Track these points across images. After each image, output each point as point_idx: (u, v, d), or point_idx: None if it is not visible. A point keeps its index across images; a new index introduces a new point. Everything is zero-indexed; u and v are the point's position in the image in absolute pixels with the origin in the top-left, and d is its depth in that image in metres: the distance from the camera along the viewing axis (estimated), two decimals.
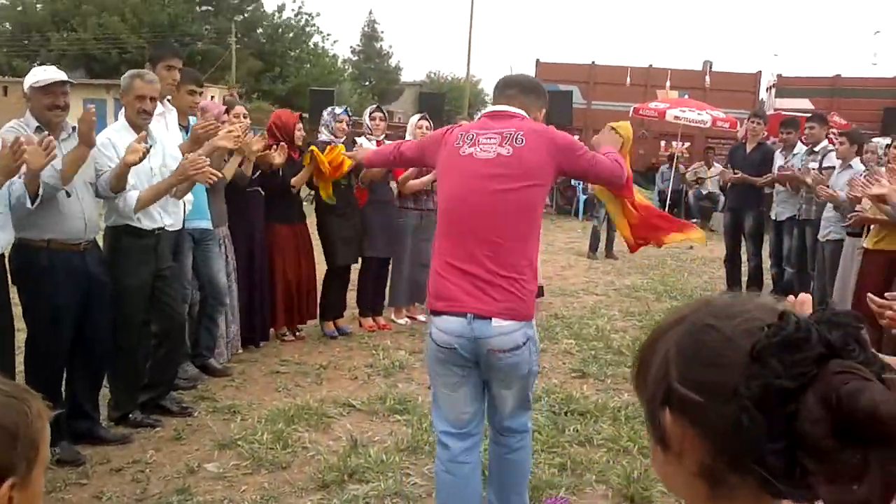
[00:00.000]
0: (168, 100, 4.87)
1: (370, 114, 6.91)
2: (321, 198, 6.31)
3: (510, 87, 3.13)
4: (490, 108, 3.18)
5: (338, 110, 6.48)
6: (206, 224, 5.20)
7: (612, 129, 3.49)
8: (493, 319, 2.88)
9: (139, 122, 4.23)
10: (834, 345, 0.78)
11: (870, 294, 2.47)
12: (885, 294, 2.41)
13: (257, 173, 5.68)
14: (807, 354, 0.78)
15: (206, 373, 5.34)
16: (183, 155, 4.44)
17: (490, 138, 2.96)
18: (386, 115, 7.01)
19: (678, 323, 0.92)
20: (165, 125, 4.69)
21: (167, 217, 4.46)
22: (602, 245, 11.04)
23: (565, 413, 4.85)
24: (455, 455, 3.07)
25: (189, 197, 4.74)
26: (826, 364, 0.78)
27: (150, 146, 4.10)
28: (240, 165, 5.43)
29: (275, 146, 5.78)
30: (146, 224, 4.31)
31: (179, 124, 4.97)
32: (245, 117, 5.70)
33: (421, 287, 7.12)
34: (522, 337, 2.94)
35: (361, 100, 43.76)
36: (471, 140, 2.99)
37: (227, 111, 5.66)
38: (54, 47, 39.09)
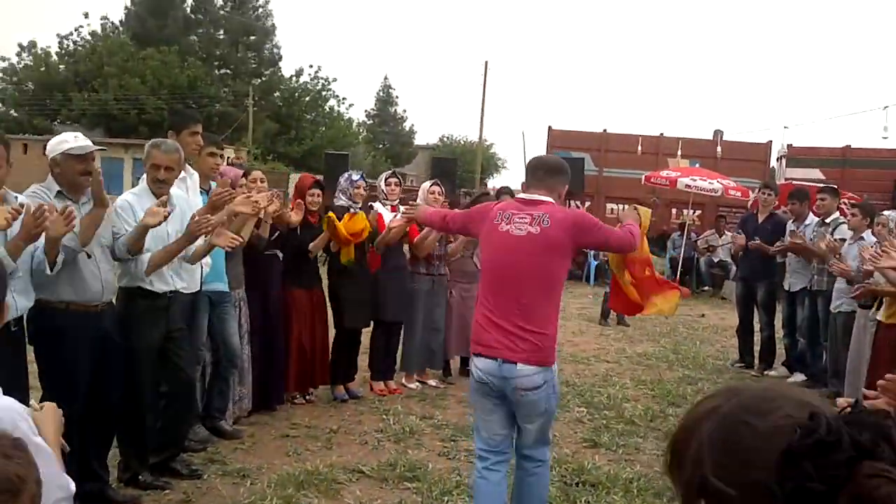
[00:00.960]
0: (189, 164, 4.97)
1: (385, 179, 6.99)
2: (334, 261, 6.38)
3: (539, 170, 3.83)
4: (522, 195, 3.92)
5: (355, 176, 6.57)
6: (223, 287, 5.25)
7: (635, 208, 4.20)
8: (518, 364, 3.59)
9: (155, 189, 4.34)
10: (864, 447, 0.81)
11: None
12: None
13: (276, 234, 5.75)
14: (838, 458, 0.81)
15: (217, 435, 5.33)
16: None
17: (523, 219, 3.65)
18: (401, 180, 7.11)
19: (711, 414, 0.95)
20: (186, 189, 4.79)
21: (179, 280, 4.51)
22: (613, 312, 11.02)
23: (577, 484, 4.80)
24: (489, 465, 3.77)
25: (207, 260, 4.81)
26: (858, 466, 0.80)
27: (171, 211, 4.18)
28: (256, 227, 5.51)
29: (292, 207, 5.88)
30: (158, 287, 4.36)
31: (201, 188, 5.06)
32: (262, 181, 5.81)
33: (433, 352, 7.13)
34: (541, 379, 3.62)
35: (375, 162, 44.35)
36: (507, 219, 3.69)
37: (244, 175, 5.77)
38: (75, 107, 39.92)
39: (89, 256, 3.93)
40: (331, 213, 6.10)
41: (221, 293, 5.23)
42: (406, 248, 6.97)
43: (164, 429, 4.58)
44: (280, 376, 6.04)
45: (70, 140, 3.93)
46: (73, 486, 1.87)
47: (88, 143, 3.96)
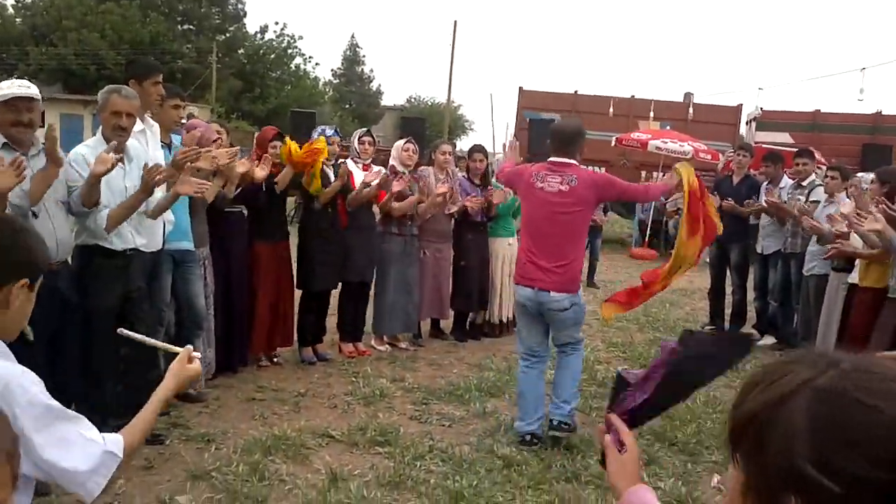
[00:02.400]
0: (151, 115, 4.72)
1: (360, 138, 6.78)
2: (307, 217, 6.20)
3: (560, 140, 4.74)
4: (552, 158, 4.73)
5: (329, 131, 6.35)
6: (188, 245, 5.04)
7: (675, 169, 4.93)
8: (550, 292, 4.63)
9: (115, 138, 4.07)
10: None
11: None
12: None
13: (239, 190, 5.53)
14: None
15: (180, 399, 5.14)
16: None
17: (554, 178, 4.66)
18: (374, 139, 6.88)
19: (802, 388, 0.77)
20: (146, 142, 4.53)
21: (140, 237, 4.29)
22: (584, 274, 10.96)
23: (550, 447, 4.71)
24: (530, 364, 4.91)
25: (170, 217, 4.59)
26: None
27: (121, 157, 3.93)
28: (223, 186, 5.29)
29: (257, 161, 5.65)
30: (117, 244, 4.14)
31: (162, 142, 4.81)
32: (220, 135, 5.55)
33: (408, 314, 6.97)
34: (568, 303, 4.68)
35: (342, 122, 43.70)
36: (541, 178, 4.69)
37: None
38: (32, 62, 38.71)
39: (35, 216, 3.68)
40: (289, 144, 5.90)
41: (185, 252, 5.02)
42: (375, 208, 6.78)
43: (123, 392, 4.39)
44: (245, 337, 5.85)
45: (4, 87, 3.66)
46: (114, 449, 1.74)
47: (20, 90, 3.66)
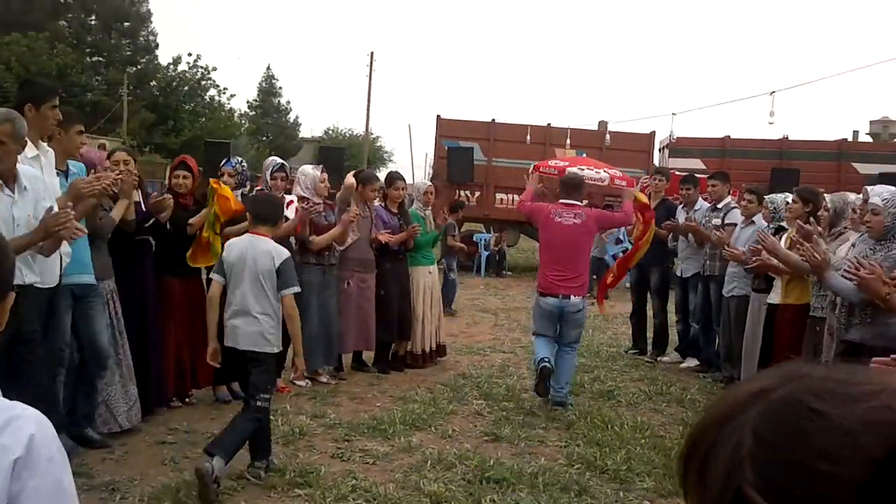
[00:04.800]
0: (47, 141, 4.41)
1: (272, 173, 6.47)
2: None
3: (569, 188, 6.46)
4: (563, 200, 6.35)
5: (234, 162, 6.10)
6: (89, 279, 4.70)
7: (625, 192, 7.26)
8: (570, 297, 6.13)
9: None
10: None
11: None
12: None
13: (151, 221, 5.23)
14: None
15: (83, 444, 4.78)
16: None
17: (568, 214, 6.23)
18: (288, 173, 6.63)
19: (757, 399, 0.63)
20: (40, 169, 4.22)
21: (31, 274, 3.95)
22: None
23: (480, 481, 4.54)
24: (546, 340, 6.24)
25: (66, 249, 4.27)
26: None
27: None
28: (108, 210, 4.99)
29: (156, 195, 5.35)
30: None
31: (58, 169, 4.49)
32: (126, 164, 5.26)
33: (329, 347, 6.71)
34: (581, 305, 6.24)
35: (259, 154, 42.99)
36: (559, 214, 6.24)
37: (108, 157, 5.24)
38: None
39: None
40: (213, 181, 5.63)
41: (86, 286, 4.68)
42: (292, 239, 6.54)
43: None
44: (160, 375, 5.51)
45: None
46: None
47: None
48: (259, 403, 4.37)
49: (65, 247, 4.20)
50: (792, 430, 0.59)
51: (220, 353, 4.57)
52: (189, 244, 5.69)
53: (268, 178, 6.44)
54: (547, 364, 6.04)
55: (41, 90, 4.40)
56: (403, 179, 7.72)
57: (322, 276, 6.61)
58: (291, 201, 6.31)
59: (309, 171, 6.82)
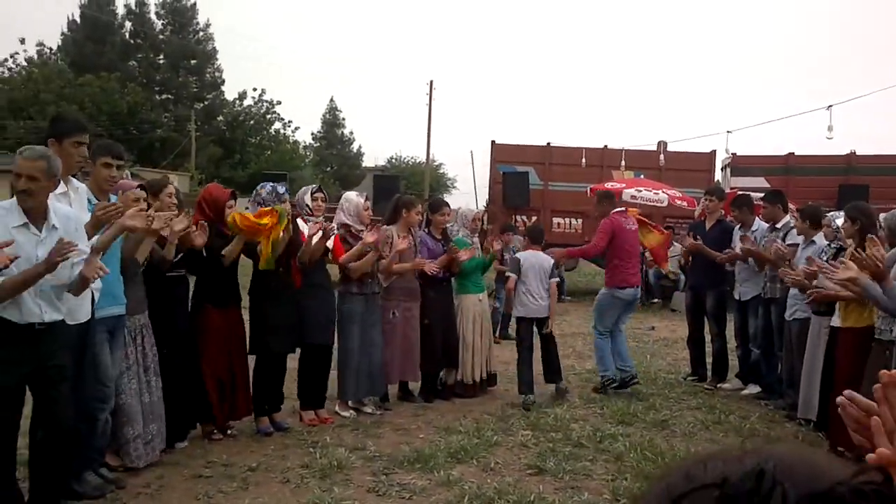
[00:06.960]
0: (77, 176, 4.45)
1: (312, 194, 6.45)
2: (257, 280, 5.88)
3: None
4: (616, 210, 7.84)
5: (280, 189, 6.07)
6: (120, 310, 4.70)
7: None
8: (636, 287, 7.72)
9: (19, 202, 3.80)
10: None
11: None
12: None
13: (180, 255, 5.23)
14: None
15: (108, 481, 4.74)
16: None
17: (628, 221, 7.76)
18: (326, 196, 6.59)
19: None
20: (69, 203, 4.23)
21: (53, 312, 3.92)
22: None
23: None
24: (606, 337, 7.57)
25: (97, 284, 4.27)
26: None
27: (16, 257, 3.62)
28: (161, 247, 5.00)
29: (195, 226, 5.33)
30: (14, 317, 3.78)
31: (90, 202, 4.52)
32: (171, 196, 5.30)
33: (373, 377, 6.62)
34: (639, 293, 7.98)
35: (323, 185, 43.65)
36: (625, 222, 7.68)
37: (155, 193, 5.24)
38: (10, 136, 38.60)
39: None
40: (234, 213, 5.61)
41: (116, 318, 4.67)
42: (336, 268, 6.49)
43: (34, 483, 3.98)
44: (191, 408, 5.48)
45: None
46: None
47: None
48: None
49: (96, 282, 4.20)
50: None
51: None
52: (229, 273, 5.70)
53: (308, 202, 6.38)
54: (611, 377, 7.55)
55: (65, 126, 4.44)
56: (448, 205, 7.61)
57: (364, 305, 6.52)
58: (331, 229, 6.21)
59: (353, 198, 6.79)
